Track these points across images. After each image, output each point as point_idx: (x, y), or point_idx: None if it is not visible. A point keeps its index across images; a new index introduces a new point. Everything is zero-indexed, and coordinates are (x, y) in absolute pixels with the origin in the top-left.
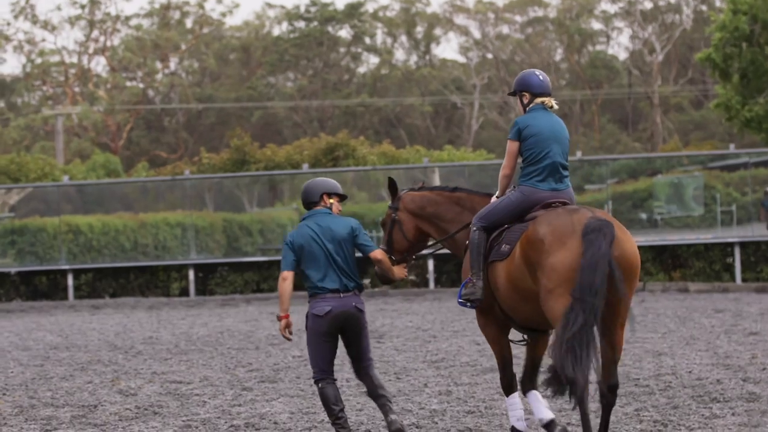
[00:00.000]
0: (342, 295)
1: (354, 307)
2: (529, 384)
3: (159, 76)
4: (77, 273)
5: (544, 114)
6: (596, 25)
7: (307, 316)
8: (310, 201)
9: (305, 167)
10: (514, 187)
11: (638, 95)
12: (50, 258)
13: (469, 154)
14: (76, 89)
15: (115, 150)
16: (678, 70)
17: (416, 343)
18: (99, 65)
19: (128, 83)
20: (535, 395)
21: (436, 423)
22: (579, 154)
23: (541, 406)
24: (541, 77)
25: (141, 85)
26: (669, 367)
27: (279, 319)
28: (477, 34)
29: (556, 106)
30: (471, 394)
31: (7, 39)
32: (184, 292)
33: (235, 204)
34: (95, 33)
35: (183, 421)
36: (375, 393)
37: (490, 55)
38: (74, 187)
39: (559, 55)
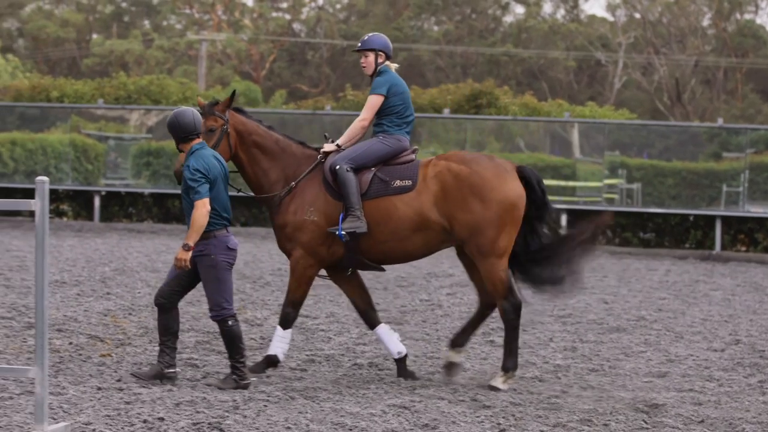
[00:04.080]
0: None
1: None
2: (376, 319)
3: (306, 9)
4: None
5: (398, 76)
6: None
7: (211, 249)
8: (195, 132)
9: (446, 112)
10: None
11: None
12: None
13: (611, 112)
14: (222, 16)
15: (256, 80)
16: None
17: (543, 296)
18: None
19: (274, 14)
20: (386, 329)
21: (559, 378)
22: (720, 120)
23: (395, 339)
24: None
25: (287, 17)
26: None
27: (190, 249)
28: None
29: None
30: (596, 351)
31: None
32: None
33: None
34: None
35: (306, 355)
36: None
37: (637, 15)
38: None
39: (707, 20)
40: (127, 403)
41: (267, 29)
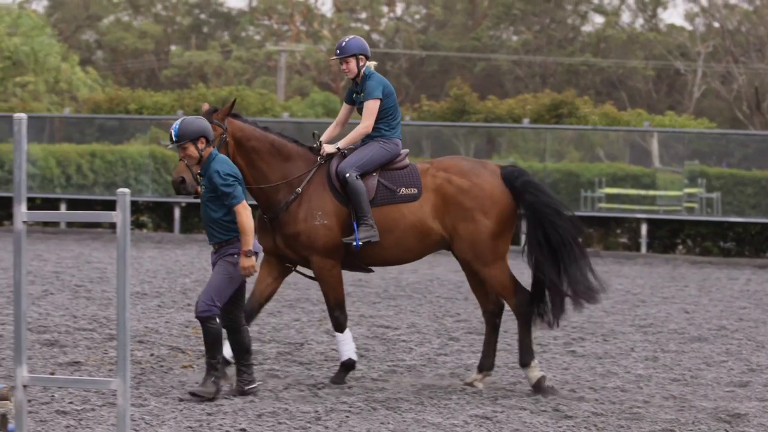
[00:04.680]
0: None
1: None
2: (254, 318)
3: (384, 20)
4: None
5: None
6: None
7: (237, 250)
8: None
9: (526, 122)
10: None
11: None
12: None
13: (691, 121)
14: (301, 27)
15: (335, 90)
16: None
17: (625, 306)
18: (325, 5)
19: (353, 25)
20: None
21: (641, 388)
22: None
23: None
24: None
25: (366, 28)
26: None
27: (249, 255)
28: (704, 1)
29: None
30: (677, 361)
31: None
32: None
33: (452, 153)
34: None
35: (388, 366)
36: None
37: (716, 24)
38: (293, 123)
39: None
40: (209, 414)
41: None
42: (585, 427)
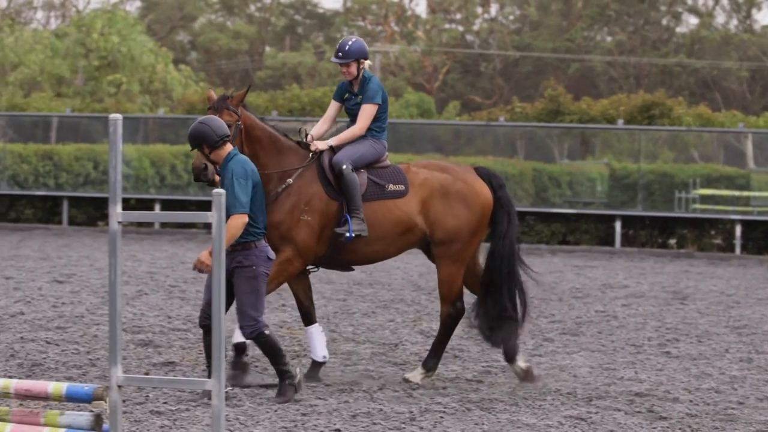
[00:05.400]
0: None
1: None
2: (313, 317)
3: (478, 21)
4: None
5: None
6: None
7: (253, 260)
8: (227, 135)
9: (620, 123)
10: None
11: None
12: None
13: None
14: (395, 28)
15: (429, 91)
16: None
17: (719, 307)
18: (419, 6)
19: (447, 26)
20: (318, 330)
21: (736, 390)
22: None
23: (323, 342)
24: None
25: (460, 29)
26: None
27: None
28: None
29: None
30: None
31: None
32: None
33: (545, 154)
34: None
35: (482, 366)
36: None
37: None
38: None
39: None
40: (304, 414)
41: (440, 41)
42: (679, 429)
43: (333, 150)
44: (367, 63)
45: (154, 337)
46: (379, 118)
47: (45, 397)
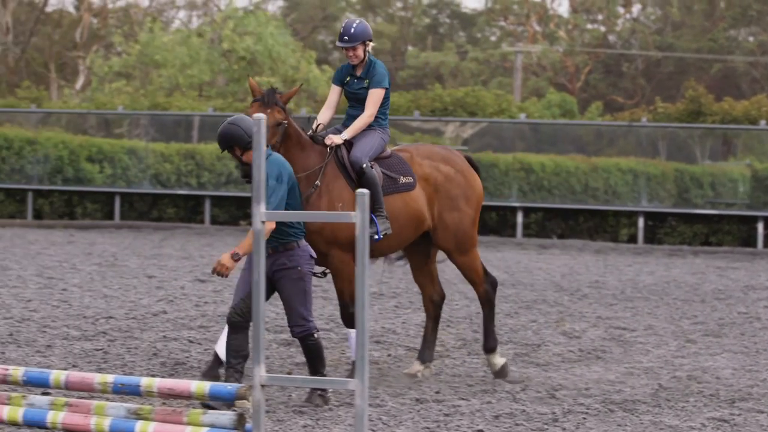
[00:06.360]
0: None
1: None
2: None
3: (620, 20)
4: (527, 211)
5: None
6: None
7: (297, 260)
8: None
9: (762, 123)
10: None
11: None
12: (500, 194)
13: None
14: (537, 28)
15: (571, 91)
16: None
17: None
18: (561, 6)
19: (589, 26)
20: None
21: None
22: None
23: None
24: None
25: (602, 29)
26: None
27: (234, 258)
28: None
29: None
30: None
31: None
32: (632, 239)
33: (687, 155)
34: None
35: (625, 368)
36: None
37: None
38: (529, 125)
39: None
40: (446, 415)
41: (582, 41)
42: None
43: (347, 142)
44: (371, 45)
45: None
46: (383, 104)
47: (188, 396)
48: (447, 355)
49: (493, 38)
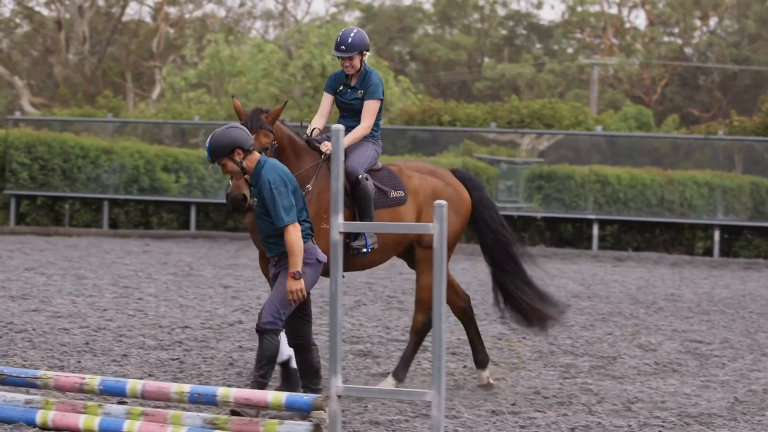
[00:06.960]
0: None
1: None
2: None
3: (697, 33)
4: (603, 223)
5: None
6: None
7: (305, 263)
8: (251, 144)
9: None
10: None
11: None
12: (576, 206)
13: None
14: (614, 40)
15: (648, 104)
16: None
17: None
18: (638, 18)
19: (665, 38)
20: None
21: None
22: None
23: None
24: None
25: (678, 41)
26: None
27: (296, 277)
28: None
29: None
30: None
31: None
32: (708, 252)
33: (763, 168)
34: None
35: (701, 381)
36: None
37: None
38: (605, 137)
39: None
40: (522, 427)
41: (658, 53)
42: None
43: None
44: (368, 55)
45: (373, 347)
46: (376, 116)
47: (264, 407)
48: (522, 367)
49: (569, 50)
